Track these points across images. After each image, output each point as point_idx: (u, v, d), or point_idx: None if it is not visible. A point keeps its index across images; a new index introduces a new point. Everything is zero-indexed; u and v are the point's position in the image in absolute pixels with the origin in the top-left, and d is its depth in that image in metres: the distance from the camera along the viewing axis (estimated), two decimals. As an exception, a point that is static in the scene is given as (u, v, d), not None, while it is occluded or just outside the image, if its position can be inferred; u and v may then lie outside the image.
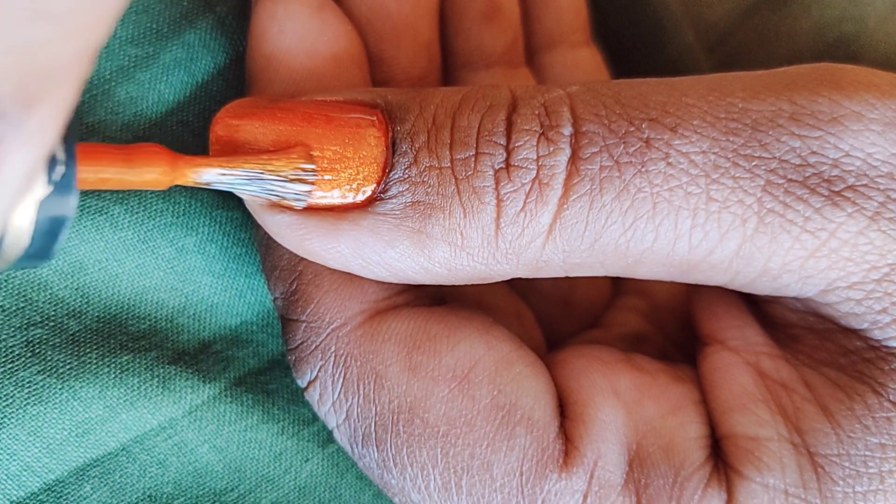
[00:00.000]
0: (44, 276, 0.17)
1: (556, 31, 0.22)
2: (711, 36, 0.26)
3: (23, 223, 0.12)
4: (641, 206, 0.15)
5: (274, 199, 0.15)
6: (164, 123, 0.18)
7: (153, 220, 0.18)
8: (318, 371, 0.17)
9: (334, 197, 0.16)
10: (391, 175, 0.16)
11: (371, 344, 0.17)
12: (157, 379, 0.18)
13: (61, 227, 0.13)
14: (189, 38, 0.18)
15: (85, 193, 0.17)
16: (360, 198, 0.16)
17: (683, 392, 0.18)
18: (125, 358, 0.18)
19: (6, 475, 0.17)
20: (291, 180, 0.15)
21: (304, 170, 0.15)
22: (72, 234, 0.17)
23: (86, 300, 0.17)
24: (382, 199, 0.16)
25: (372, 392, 0.17)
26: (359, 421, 0.17)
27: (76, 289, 0.17)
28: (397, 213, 0.15)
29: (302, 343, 0.17)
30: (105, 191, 0.17)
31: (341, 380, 0.17)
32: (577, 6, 0.23)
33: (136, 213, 0.18)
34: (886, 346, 0.16)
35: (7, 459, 0.17)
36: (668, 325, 0.21)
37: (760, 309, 0.18)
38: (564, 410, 0.17)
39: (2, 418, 0.16)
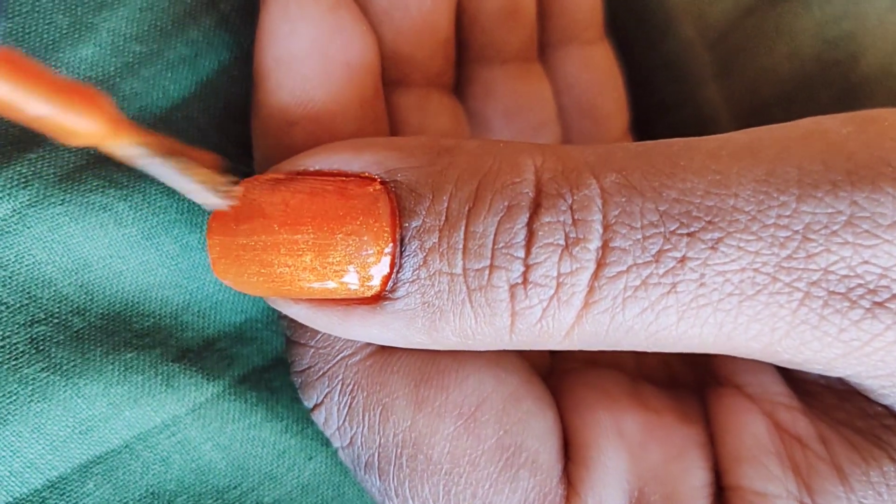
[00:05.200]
0: (48, 272, 0.17)
1: (571, 27, 0.22)
2: (712, 32, 0.26)
3: None
4: (665, 320, 0.14)
5: (178, 189, 0.14)
6: (168, 118, 0.18)
7: (157, 216, 0.18)
8: (325, 397, 0.17)
9: (337, 289, 0.15)
10: (399, 275, 0.15)
11: (379, 375, 0.17)
12: (160, 376, 0.18)
13: None
14: (193, 35, 0.18)
15: (90, 190, 0.17)
16: (366, 291, 0.15)
17: (690, 434, 0.17)
18: (129, 355, 0.18)
19: (9, 472, 0.17)
20: (204, 186, 0.14)
21: (220, 187, 0.14)
22: (76, 231, 0.17)
23: (90, 297, 0.17)
24: (391, 298, 0.15)
25: (377, 424, 0.16)
26: (362, 449, 0.17)
27: (80, 285, 0.17)
28: (407, 313, 0.15)
29: (309, 368, 0.17)
30: (110, 188, 0.17)
31: (346, 409, 0.17)
32: (593, 3, 0.22)
33: (141, 209, 0.18)
34: None
35: (10, 456, 0.17)
36: None
37: None
38: (568, 451, 0.17)
39: (5, 415, 0.16)
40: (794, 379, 0.17)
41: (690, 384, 0.19)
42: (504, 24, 0.21)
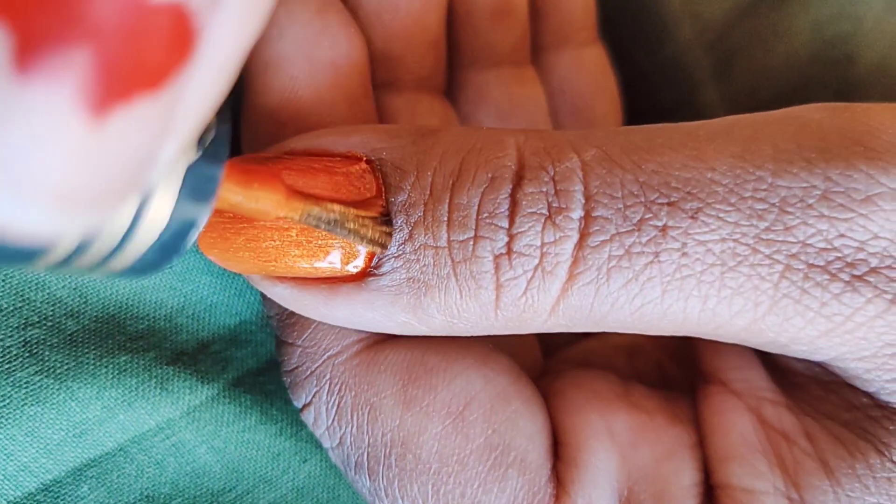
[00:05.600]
0: (42, 275, 0.17)
1: (564, 29, 0.22)
2: (709, 33, 0.26)
3: (165, 194, 0.10)
4: (650, 293, 0.14)
5: (357, 242, 0.15)
6: None
7: None
8: (313, 397, 0.17)
9: (323, 267, 0.15)
10: (384, 251, 0.15)
11: (367, 374, 0.17)
12: (155, 379, 0.18)
13: (207, 203, 0.10)
14: None
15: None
16: (351, 269, 0.15)
17: (679, 434, 0.17)
18: (123, 358, 0.18)
19: (3, 476, 0.17)
20: (376, 225, 0.15)
21: (384, 239, 0.15)
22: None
23: (84, 300, 0.17)
24: (376, 275, 0.15)
25: (365, 423, 0.16)
26: (351, 449, 0.17)
27: (74, 288, 0.17)
28: (392, 289, 0.15)
29: (297, 367, 0.17)
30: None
31: (335, 408, 0.17)
32: (586, 4, 0.22)
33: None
34: (894, 407, 0.15)
35: (4, 460, 0.17)
36: (664, 336, 0.21)
37: (765, 352, 0.18)
38: (558, 451, 0.17)
39: (-1, 419, 0.16)
40: (780, 371, 0.17)
41: (681, 385, 0.19)
42: (495, 25, 0.21)
